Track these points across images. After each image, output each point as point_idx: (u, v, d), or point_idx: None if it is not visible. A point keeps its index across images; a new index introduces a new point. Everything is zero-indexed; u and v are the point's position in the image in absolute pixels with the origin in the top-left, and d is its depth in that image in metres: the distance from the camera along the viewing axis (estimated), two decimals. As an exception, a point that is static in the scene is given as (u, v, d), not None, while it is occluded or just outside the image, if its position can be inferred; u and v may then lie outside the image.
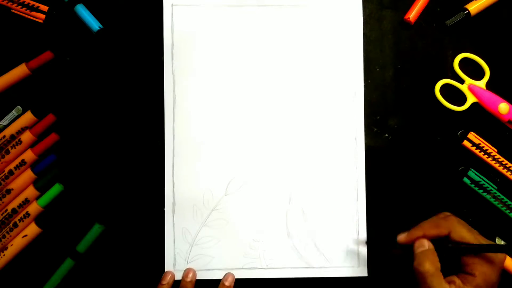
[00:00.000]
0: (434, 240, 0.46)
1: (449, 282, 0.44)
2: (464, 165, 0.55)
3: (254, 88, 0.55)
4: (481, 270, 0.44)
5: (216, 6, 0.55)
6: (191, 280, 0.53)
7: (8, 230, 0.53)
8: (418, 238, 0.47)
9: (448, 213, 0.48)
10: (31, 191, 0.54)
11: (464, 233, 0.45)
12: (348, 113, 0.55)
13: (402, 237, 0.48)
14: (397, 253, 0.49)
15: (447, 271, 0.45)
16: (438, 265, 0.44)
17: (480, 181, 0.54)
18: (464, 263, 0.45)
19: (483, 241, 0.45)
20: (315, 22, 0.55)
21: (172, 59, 0.55)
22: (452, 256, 0.45)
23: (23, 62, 0.54)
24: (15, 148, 0.53)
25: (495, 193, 0.54)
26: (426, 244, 0.46)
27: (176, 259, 0.54)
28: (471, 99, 0.54)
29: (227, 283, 0.53)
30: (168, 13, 0.55)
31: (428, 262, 0.44)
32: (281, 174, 0.54)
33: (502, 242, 0.54)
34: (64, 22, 0.55)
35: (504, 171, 0.54)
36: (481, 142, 0.54)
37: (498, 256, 0.45)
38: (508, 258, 0.52)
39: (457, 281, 0.44)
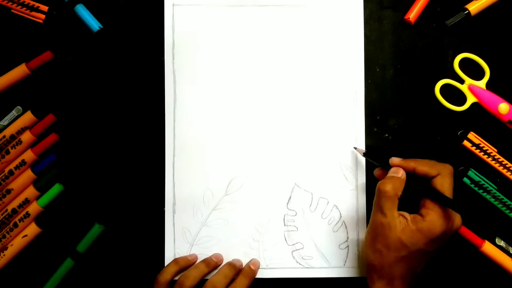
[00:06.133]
0: (420, 177, 0.47)
1: (400, 215, 0.46)
2: (464, 165, 0.55)
3: (255, 88, 0.55)
4: (431, 218, 0.45)
5: (217, 6, 0.55)
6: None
7: (8, 230, 0.53)
8: (408, 168, 0.48)
9: (449, 165, 0.48)
10: (31, 191, 0.54)
11: (446, 183, 0.46)
12: (348, 113, 0.55)
13: (395, 161, 0.49)
14: (376, 173, 0.51)
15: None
16: (399, 193, 0.46)
17: (480, 181, 0.54)
18: (422, 204, 0.47)
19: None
20: (316, 22, 0.55)
21: (173, 59, 0.55)
22: (420, 196, 0.47)
23: (23, 62, 0.54)
24: (15, 148, 0.53)
25: (495, 193, 0.54)
26: (400, 172, 0.47)
27: (176, 259, 0.54)
28: (471, 99, 0.54)
29: (253, 267, 0.53)
30: (169, 12, 0.55)
31: (391, 185, 0.46)
32: (281, 173, 0.54)
33: (502, 242, 0.54)
34: (64, 22, 0.55)
35: (504, 171, 0.54)
36: (481, 142, 0.54)
37: (456, 220, 0.46)
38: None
39: (408, 218, 0.46)
